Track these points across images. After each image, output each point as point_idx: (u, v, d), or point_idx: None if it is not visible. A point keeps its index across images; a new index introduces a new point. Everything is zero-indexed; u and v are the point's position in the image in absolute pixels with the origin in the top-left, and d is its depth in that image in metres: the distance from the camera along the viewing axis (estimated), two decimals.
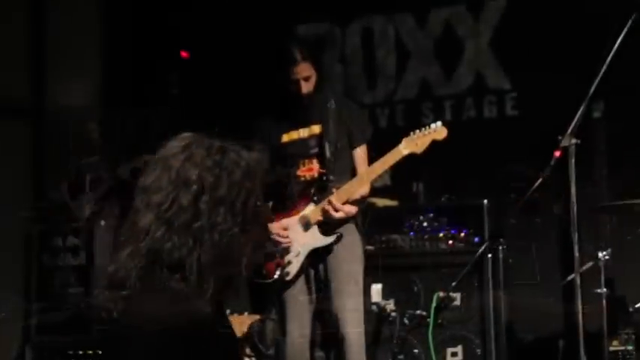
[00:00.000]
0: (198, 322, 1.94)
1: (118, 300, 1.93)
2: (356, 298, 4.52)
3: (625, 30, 4.29)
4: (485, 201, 5.31)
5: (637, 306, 4.73)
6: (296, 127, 4.59)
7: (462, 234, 5.42)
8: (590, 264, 4.68)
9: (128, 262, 1.93)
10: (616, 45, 4.25)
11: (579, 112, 4.32)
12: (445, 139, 4.58)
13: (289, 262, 4.50)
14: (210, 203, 1.93)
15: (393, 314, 5.22)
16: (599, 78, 4.30)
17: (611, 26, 4.27)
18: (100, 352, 2.13)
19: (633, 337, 4.74)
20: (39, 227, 5.63)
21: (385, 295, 5.30)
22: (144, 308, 1.93)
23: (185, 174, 1.94)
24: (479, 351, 5.25)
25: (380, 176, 4.79)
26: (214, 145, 1.99)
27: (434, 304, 5.27)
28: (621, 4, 4.29)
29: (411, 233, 5.50)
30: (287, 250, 4.52)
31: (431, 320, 5.28)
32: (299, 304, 4.55)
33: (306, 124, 4.57)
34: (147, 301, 1.93)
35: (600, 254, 4.65)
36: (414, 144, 4.48)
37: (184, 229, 1.92)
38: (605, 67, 4.22)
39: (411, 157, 4.53)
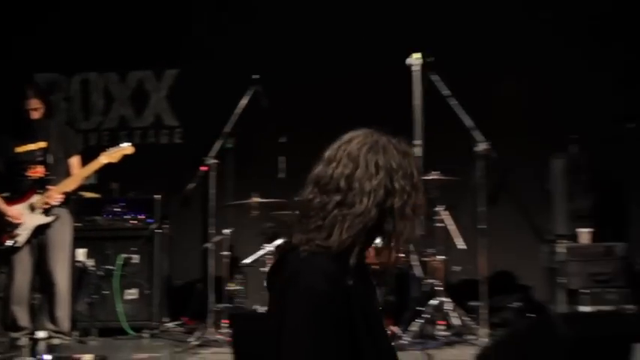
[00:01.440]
0: None
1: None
2: (65, 258, 4.74)
3: (247, 97, 4.85)
4: (159, 196, 5.57)
5: (243, 262, 5.18)
6: (27, 142, 4.75)
7: (141, 217, 5.58)
8: (219, 237, 5.07)
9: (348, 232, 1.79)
10: (239, 105, 4.84)
11: (218, 144, 4.90)
12: (133, 154, 4.77)
13: (19, 234, 4.62)
14: (402, 181, 1.81)
15: (92, 269, 5.35)
16: (231, 123, 4.79)
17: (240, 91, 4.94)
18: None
19: (243, 281, 5.22)
20: None
21: (88, 256, 5.39)
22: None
23: (391, 162, 1.80)
24: (147, 292, 5.49)
25: (88, 177, 4.89)
26: (392, 140, 1.86)
27: (120, 262, 5.36)
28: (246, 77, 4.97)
29: (108, 215, 5.62)
30: (19, 226, 4.61)
31: (117, 273, 5.38)
32: (24, 261, 4.69)
33: (35, 140, 4.76)
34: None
35: (224, 231, 5.07)
36: (110, 156, 4.73)
37: (389, 207, 1.79)
38: (234, 117, 4.85)
39: (110, 165, 4.72)
